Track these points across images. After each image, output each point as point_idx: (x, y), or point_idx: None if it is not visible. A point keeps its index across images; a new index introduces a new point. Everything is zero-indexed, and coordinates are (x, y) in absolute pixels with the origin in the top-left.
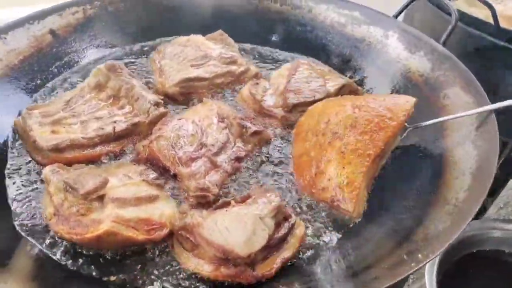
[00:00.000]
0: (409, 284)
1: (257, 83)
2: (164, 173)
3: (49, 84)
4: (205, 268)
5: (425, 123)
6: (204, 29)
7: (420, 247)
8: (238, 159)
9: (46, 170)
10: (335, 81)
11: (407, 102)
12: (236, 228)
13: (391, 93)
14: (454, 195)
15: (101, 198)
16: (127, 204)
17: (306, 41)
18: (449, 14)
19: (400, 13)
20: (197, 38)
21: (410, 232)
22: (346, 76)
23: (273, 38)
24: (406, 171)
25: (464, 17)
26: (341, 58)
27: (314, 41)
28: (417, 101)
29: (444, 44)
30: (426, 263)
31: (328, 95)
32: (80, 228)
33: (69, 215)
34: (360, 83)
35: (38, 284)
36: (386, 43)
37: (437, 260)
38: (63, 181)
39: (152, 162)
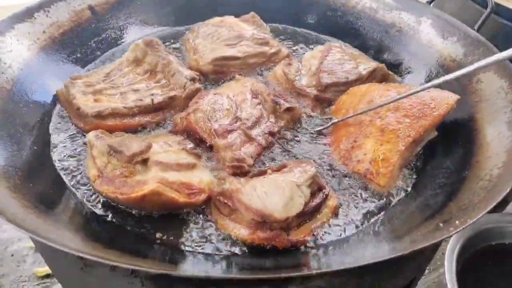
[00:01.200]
0: (425, 275)
1: (290, 63)
2: (200, 144)
3: (88, 58)
4: (242, 232)
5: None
6: (236, 11)
7: (456, 216)
8: (272, 133)
9: (90, 135)
10: (367, 64)
11: (450, 97)
12: (275, 193)
13: (427, 77)
14: (488, 172)
15: (144, 161)
16: (169, 168)
17: (337, 25)
18: (481, 4)
19: (432, 0)
20: (231, 19)
21: (443, 205)
22: (379, 60)
23: (306, 21)
24: (438, 151)
25: (497, 9)
26: (372, 43)
27: (345, 25)
28: (459, 99)
29: (478, 31)
30: (464, 227)
31: (360, 77)
32: (126, 188)
33: (113, 177)
34: (394, 67)
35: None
36: (418, 29)
37: (456, 250)
38: (107, 145)
39: (188, 133)
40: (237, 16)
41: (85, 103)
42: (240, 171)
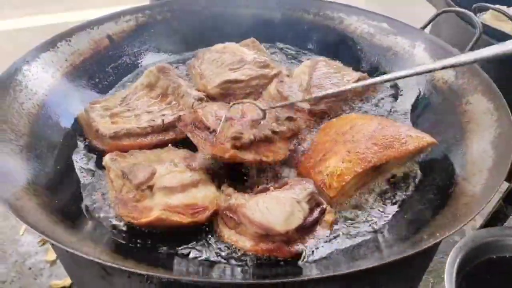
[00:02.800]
0: None
1: (282, 81)
2: (205, 130)
3: (105, 83)
4: (246, 244)
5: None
6: (241, 36)
7: (438, 230)
8: (274, 132)
9: (107, 158)
10: (351, 75)
11: (424, 138)
12: (276, 209)
13: (417, 97)
14: (471, 189)
15: (151, 187)
16: (173, 191)
17: (337, 49)
18: (474, 27)
19: (427, 25)
20: (232, 45)
21: (429, 220)
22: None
23: (307, 45)
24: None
25: (489, 30)
26: (370, 65)
27: (344, 48)
28: (435, 144)
29: None
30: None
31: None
32: (136, 213)
33: (127, 199)
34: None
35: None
36: (413, 53)
37: (456, 263)
38: (120, 170)
39: (195, 124)
40: (238, 41)
41: (103, 125)
42: (240, 143)
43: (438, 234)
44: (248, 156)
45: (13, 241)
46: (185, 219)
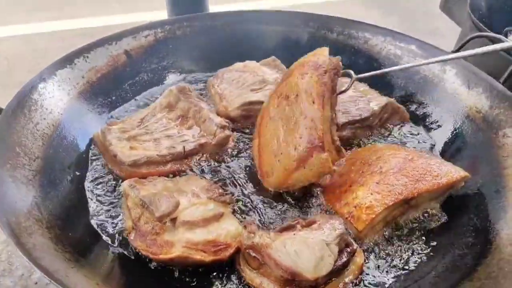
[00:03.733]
0: None
1: None
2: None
3: (121, 101)
4: (270, 287)
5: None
6: (262, 54)
7: (485, 285)
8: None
9: (125, 185)
10: (378, 100)
11: (457, 172)
12: (305, 253)
13: (451, 128)
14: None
15: (173, 220)
16: (195, 226)
17: (361, 69)
18: (510, 54)
19: (459, 49)
20: (252, 64)
21: (472, 269)
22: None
23: None
24: (467, 208)
25: None
26: (396, 89)
27: (370, 69)
28: (468, 178)
29: (504, 83)
30: None
31: (373, 113)
32: (155, 247)
33: (146, 232)
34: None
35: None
36: (443, 78)
37: None
38: (140, 199)
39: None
40: (258, 60)
41: (121, 151)
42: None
43: None
44: None
45: (20, 254)
46: (207, 257)
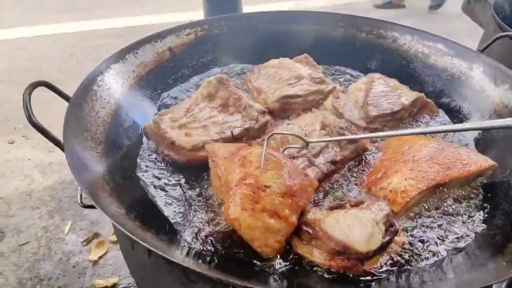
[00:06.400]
0: None
1: (338, 97)
2: None
3: (168, 93)
4: (320, 257)
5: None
6: (294, 52)
7: None
8: (334, 162)
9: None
10: (408, 94)
11: (486, 161)
12: (358, 228)
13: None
14: None
15: None
16: None
17: (389, 67)
18: None
19: (486, 48)
20: (287, 60)
21: (503, 246)
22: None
23: (360, 63)
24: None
25: None
26: (424, 85)
27: (398, 68)
28: (495, 166)
29: None
30: None
31: (403, 107)
32: None
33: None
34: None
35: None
36: (470, 75)
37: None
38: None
39: None
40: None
41: (178, 137)
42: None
43: None
44: None
45: (58, 240)
46: None
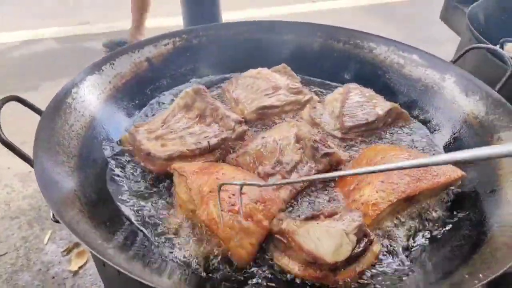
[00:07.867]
0: None
1: (314, 107)
2: None
3: (144, 104)
4: (295, 267)
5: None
6: (272, 62)
7: (479, 270)
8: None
9: None
10: (382, 104)
11: (454, 171)
12: (326, 240)
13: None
14: (509, 228)
15: None
16: None
17: (366, 77)
18: (506, 63)
19: (457, 59)
20: (265, 70)
21: (468, 257)
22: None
23: (337, 74)
24: (464, 205)
25: None
26: (399, 95)
27: (375, 77)
28: (464, 177)
29: (499, 91)
30: (488, 281)
31: (378, 118)
32: None
33: None
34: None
35: None
36: (443, 85)
37: None
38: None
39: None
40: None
41: (154, 148)
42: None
43: (481, 276)
44: None
45: (38, 250)
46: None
